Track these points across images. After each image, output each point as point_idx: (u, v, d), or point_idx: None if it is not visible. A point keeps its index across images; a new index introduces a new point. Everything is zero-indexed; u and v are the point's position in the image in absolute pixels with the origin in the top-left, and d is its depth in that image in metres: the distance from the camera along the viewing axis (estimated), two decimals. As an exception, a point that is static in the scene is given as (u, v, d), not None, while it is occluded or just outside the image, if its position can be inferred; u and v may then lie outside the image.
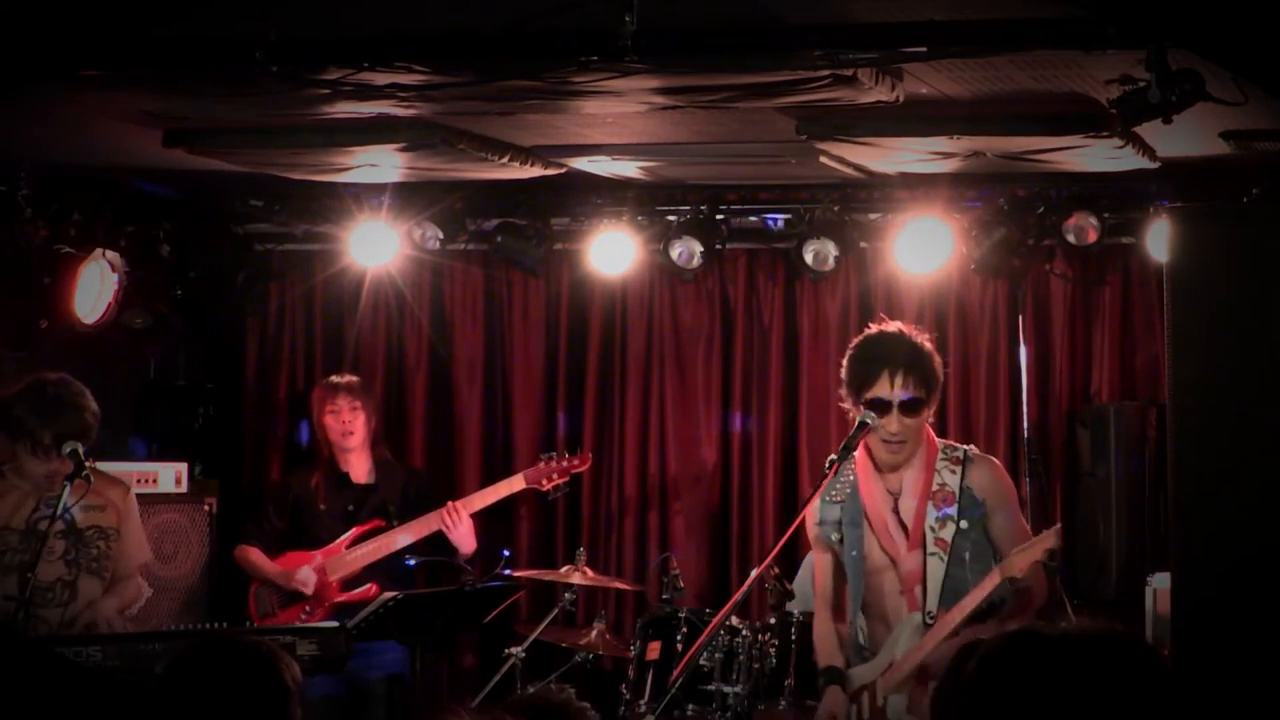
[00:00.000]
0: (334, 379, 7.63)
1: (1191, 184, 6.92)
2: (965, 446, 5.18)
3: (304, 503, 7.44)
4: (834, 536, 5.13)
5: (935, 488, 5.02)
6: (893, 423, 4.97)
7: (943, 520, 4.99)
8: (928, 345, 5.10)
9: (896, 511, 5.05)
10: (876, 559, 5.05)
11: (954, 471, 5.04)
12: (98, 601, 5.81)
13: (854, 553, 5.07)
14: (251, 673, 3.28)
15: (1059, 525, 4.93)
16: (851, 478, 5.15)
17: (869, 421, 4.98)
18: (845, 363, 5.13)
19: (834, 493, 5.14)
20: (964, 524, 4.99)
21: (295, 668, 3.34)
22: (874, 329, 5.19)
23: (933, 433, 5.15)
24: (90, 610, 5.77)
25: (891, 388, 4.97)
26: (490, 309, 8.33)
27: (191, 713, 3.24)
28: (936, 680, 4.76)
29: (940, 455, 5.08)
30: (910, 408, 4.98)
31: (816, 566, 5.29)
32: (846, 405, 5.12)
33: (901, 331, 5.12)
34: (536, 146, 6.61)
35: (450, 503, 7.38)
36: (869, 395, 4.99)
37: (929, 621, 4.95)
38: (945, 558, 4.97)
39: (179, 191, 7.71)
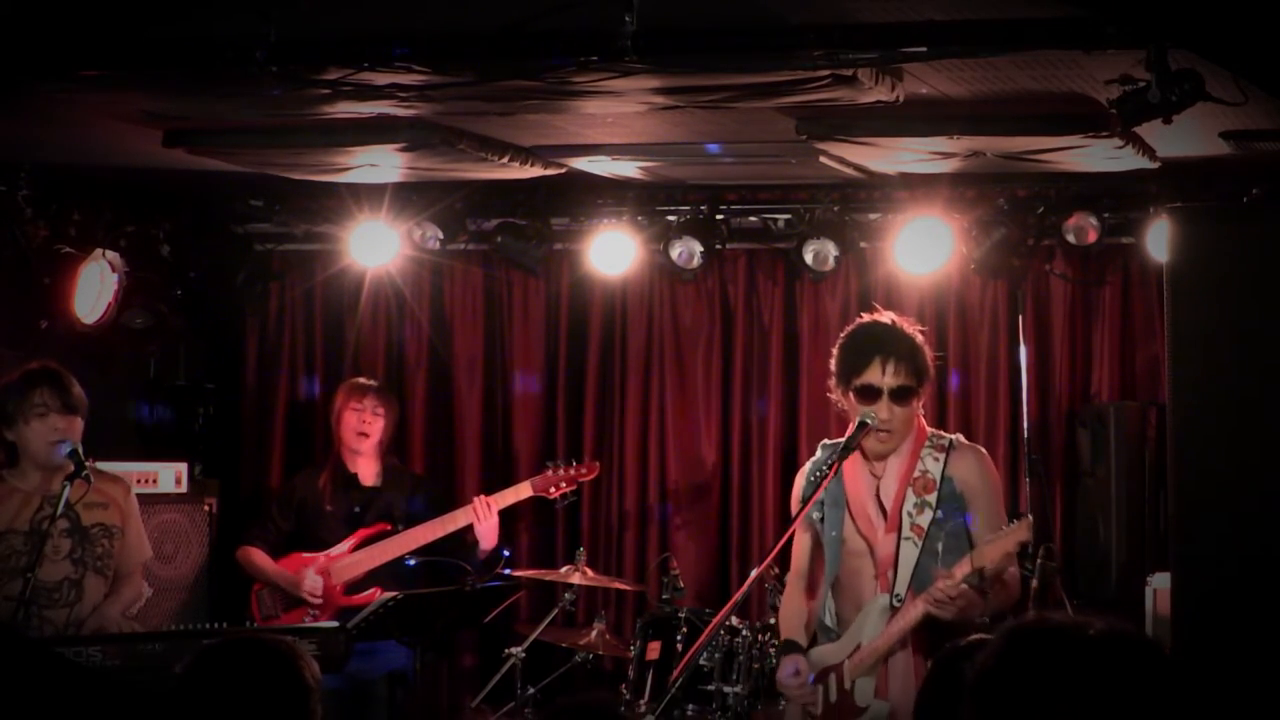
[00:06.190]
0: (363, 380, 7.60)
1: (1191, 184, 6.92)
2: (953, 435, 5.15)
3: (310, 503, 7.40)
4: (815, 515, 5.13)
5: (917, 474, 5.02)
6: (883, 409, 4.97)
7: (920, 506, 4.99)
8: (919, 337, 5.10)
9: (878, 496, 5.05)
10: (855, 542, 5.05)
11: (937, 459, 5.03)
12: (103, 607, 5.81)
13: (834, 533, 5.08)
14: (273, 671, 3.28)
15: (1029, 518, 4.84)
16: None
17: (869, 421, 4.97)
18: (836, 351, 5.11)
19: (818, 473, 5.14)
20: (940, 514, 4.98)
21: (315, 666, 3.34)
22: (866, 318, 5.19)
23: (924, 421, 5.13)
24: (96, 616, 5.76)
25: (883, 374, 4.97)
26: (490, 309, 8.33)
27: (214, 711, 3.24)
28: (899, 655, 4.80)
29: (927, 443, 5.07)
30: (900, 395, 4.97)
31: (795, 543, 5.28)
32: (834, 396, 5.10)
33: (894, 322, 5.12)
34: (536, 146, 6.61)
35: (481, 496, 7.37)
36: (859, 382, 4.98)
37: (896, 604, 4.94)
38: (919, 544, 4.96)
39: (179, 192, 7.71)
